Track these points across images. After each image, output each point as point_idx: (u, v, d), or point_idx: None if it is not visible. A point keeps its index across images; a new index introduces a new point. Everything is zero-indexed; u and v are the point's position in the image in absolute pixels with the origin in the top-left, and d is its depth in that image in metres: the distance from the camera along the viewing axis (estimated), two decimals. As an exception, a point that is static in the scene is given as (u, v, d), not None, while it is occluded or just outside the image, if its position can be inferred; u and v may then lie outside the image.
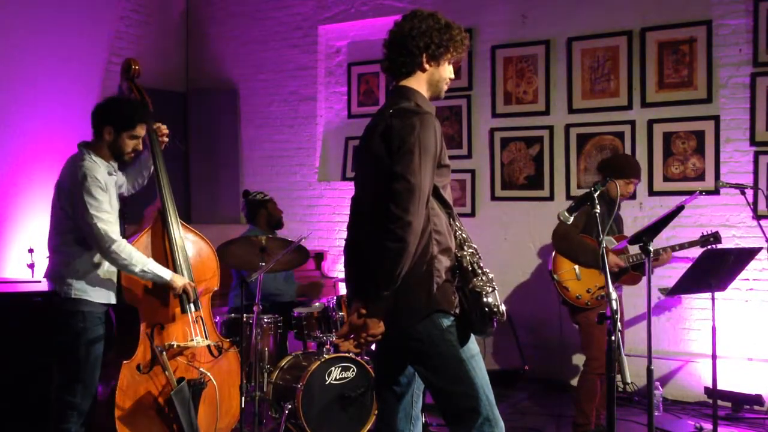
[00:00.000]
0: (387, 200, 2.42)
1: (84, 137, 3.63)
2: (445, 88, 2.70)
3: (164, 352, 3.59)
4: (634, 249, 4.36)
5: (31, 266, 5.58)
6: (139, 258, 3.44)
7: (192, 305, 3.72)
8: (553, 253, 4.47)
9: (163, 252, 3.73)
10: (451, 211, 2.61)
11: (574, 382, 5.77)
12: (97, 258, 3.45)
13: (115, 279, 3.55)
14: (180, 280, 3.61)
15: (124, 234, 3.60)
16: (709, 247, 4.56)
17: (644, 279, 4.66)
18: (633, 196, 5.73)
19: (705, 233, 4.61)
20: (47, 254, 3.54)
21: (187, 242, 3.84)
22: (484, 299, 2.49)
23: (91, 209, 3.33)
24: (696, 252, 4.66)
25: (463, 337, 2.54)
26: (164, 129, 3.87)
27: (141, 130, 3.55)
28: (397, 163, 2.43)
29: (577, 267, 4.40)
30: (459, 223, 2.63)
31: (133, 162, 3.80)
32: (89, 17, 6.68)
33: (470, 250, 2.58)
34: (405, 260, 2.41)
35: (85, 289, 3.41)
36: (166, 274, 3.54)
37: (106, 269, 3.50)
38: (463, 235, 2.61)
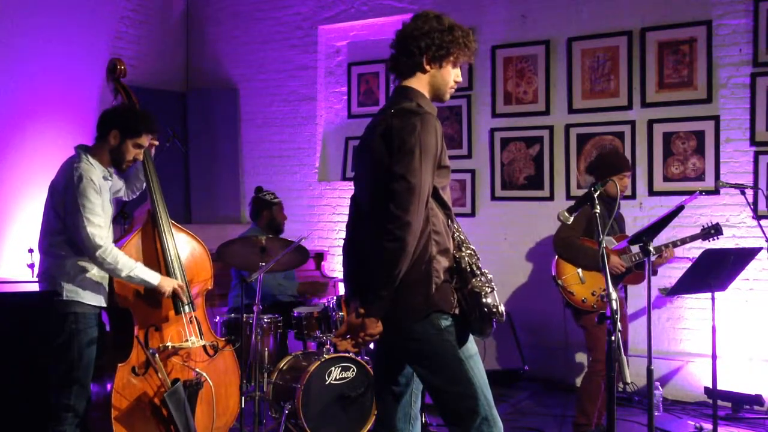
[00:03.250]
0: (387, 200, 2.42)
1: (85, 140, 3.63)
2: (450, 91, 2.68)
3: (156, 355, 3.58)
4: (636, 248, 4.38)
5: (31, 266, 5.57)
6: (125, 263, 3.41)
7: (186, 306, 3.71)
8: (555, 258, 4.46)
9: (155, 253, 3.71)
10: (450, 212, 2.61)
11: (574, 381, 5.78)
12: (87, 260, 3.44)
13: (107, 281, 3.54)
14: (168, 284, 3.58)
15: (121, 234, 3.59)
16: (710, 239, 4.56)
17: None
18: (633, 196, 5.75)
19: (705, 225, 4.60)
20: (39, 254, 3.54)
21: (179, 243, 3.82)
22: (484, 300, 2.49)
23: (84, 211, 3.31)
24: (696, 252, 4.67)
25: (461, 337, 2.54)
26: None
27: (145, 140, 3.57)
28: (397, 163, 2.43)
29: (580, 270, 4.39)
30: (457, 225, 2.64)
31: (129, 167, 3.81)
32: (89, 17, 6.68)
33: (468, 251, 2.58)
34: (404, 260, 2.41)
35: (77, 290, 3.41)
36: (153, 278, 3.52)
37: (98, 271, 3.48)
38: (461, 236, 2.61)
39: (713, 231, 4.55)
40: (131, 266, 3.43)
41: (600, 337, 4.27)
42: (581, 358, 5.85)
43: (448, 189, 2.62)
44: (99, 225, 3.36)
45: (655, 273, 4.55)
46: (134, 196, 3.88)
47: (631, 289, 4.90)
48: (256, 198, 5.25)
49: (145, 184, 3.85)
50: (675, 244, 4.50)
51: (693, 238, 4.55)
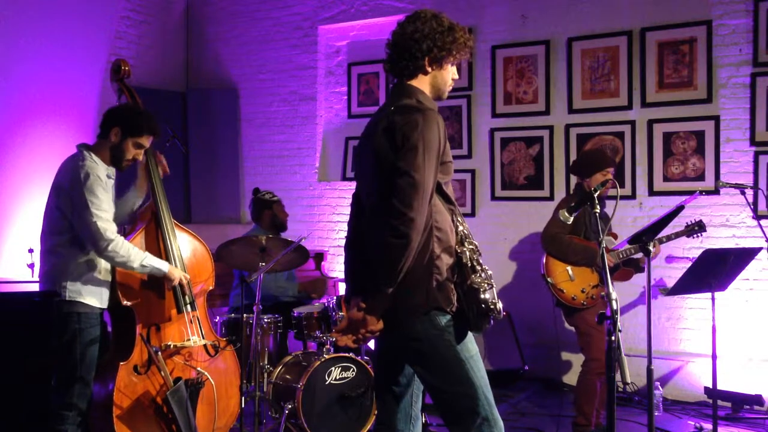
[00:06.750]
0: (390, 196, 2.41)
1: (85, 140, 3.64)
2: (448, 89, 2.70)
3: (159, 353, 3.59)
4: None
5: (31, 266, 5.58)
6: (137, 253, 3.45)
7: (188, 306, 3.72)
8: (544, 256, 4.47)
9: (157, 252, 3.73)
10: (454, 207, 2.61)
11: (573, 381, 5.78)
12: (91, 260, 3.45)
13: (109, 281, 3.55)
14: (177, 272, 3.63)
15: (123, 234, 3.60)
16: (694, 236, 4.64)
17: (637, 277, 4.71)
18: (633, 196, 5.75)
19: (689, 223, 4.64)
20: (40, 255, 3.54)
21: (182, 243, 3.84)
22: (482, 296, 2.48)
23: (92, 207, 3.33)
24: (696, 252, 4.67)
25: (461, 335, 2.54)
26: (164, 162, 3.87)
27: (146, 141, 3.58)
28: (400, 159, 2.43)
29: (569, 268, 4.40)
30: (461, 219, 2.63)
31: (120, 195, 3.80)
32: (89, 17, 6.68)
33: (470, 246, 2.57)
34: (407, 256, 2.41)
35: (80, 291, 3.41)
36: (163, 265, 3.57)
37: (101, 272, 3.49)
38: (465, 231, 2.60)
39: (697, 228, 4.62)
40: (142, 256, 3.48)
41: (593, 335, 4.29)
42: (572, 356, 5.85)
43: (450, 184, 2.62)
44: (108, 219, 3.39)
45: (641, 270, 4.56)
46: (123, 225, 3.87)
47: (629, 289, 4.91)
48: (255, 199, 5.27)
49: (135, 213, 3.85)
50: (661, 241, 4.52)
51: (677, 235, 4.60)
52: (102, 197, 3.37)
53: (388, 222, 2.40)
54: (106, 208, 3.39)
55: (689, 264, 4.45)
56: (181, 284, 3.66)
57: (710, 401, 4.65)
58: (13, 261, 5.90)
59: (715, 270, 4.20)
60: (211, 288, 4.00)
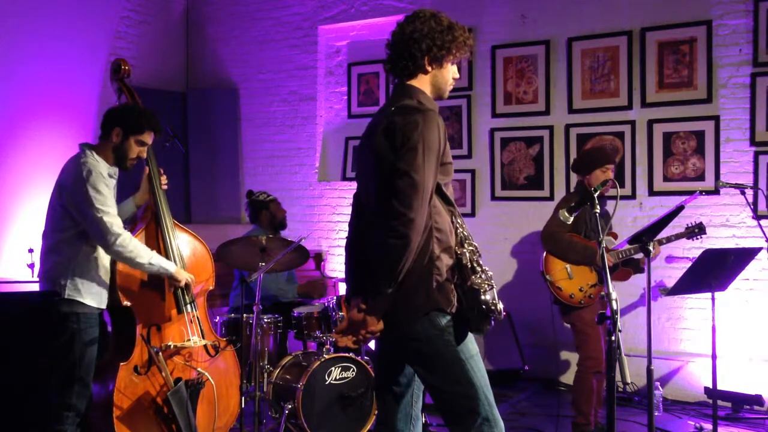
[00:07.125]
0: (390, 197, 2.41)
1: (84, 140, 3.64)
2: (449, 88, 2.70)
3: (160, 353, 3.59)
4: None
5: (31, 266, 5.58)
6: (145, 250, 3.46)
7: (189, 306, 3.72)
8: (544, 253, 4.48)
9: (157, 252, 3.72)
10: (454, 209, 2.61)
11: (566, 380, 5.78)
12: (91, 260, 3.45)
13: (108, 282, 3.54)
14: (183, 273, 3.64)
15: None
16: (694, 238, 4.64)
17: (637, 278, 4.71)
18: (633, 196, 5.75)
19: (689, 224, 4.65)
20: (41, 253, 3.54)
21: (182, 243, 3.84)
22: (482, 297, 2.48)
23: (96, 203, 3.33)
24: (696, 252, 4.67)
25: (461, 336, 2.54)
26: (164, 179, 3.89)
27: (148, 138, 3.58)
28: (400, 160, 2.43)
29: (568, 266, 4.40)
30: (461, 220, 2.63)
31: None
32: (89, 17, 6.68)
33: (470, 248, 2.57)
34: (407, 257, 2.41)
35: (79, 290, 3.41)
36: (170, 266, 3.57)
37: (101, 272, 3.49)
38: (464, 232, 2.61)
39: (697, 230, 4.63)
40: (150, 254, 3.48)
41: (589, 334, 4.30)
42: (572, 356, 5.85)
43: (450, 185, 2.62)
44: (114, 215, 3.39)
45: (641, 270, 4.56)
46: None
47: (628, 289, 4.91)
48: (250, 201, 5.27)
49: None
50: (661, 242, 4.53)
51: (678, 236, 4.60)
52: (105, 193, 3.38)
53: (387, 222, 2.40)
54: (110, 204, 3.40)
55: (689, 264, 4.45)
56: (186, 285, 3.66)
57: (710, 401, 4.65)
58: (13, 261, 5.90)
59: (715, 270, 4.20)
60: (211, 288, 4.00)
